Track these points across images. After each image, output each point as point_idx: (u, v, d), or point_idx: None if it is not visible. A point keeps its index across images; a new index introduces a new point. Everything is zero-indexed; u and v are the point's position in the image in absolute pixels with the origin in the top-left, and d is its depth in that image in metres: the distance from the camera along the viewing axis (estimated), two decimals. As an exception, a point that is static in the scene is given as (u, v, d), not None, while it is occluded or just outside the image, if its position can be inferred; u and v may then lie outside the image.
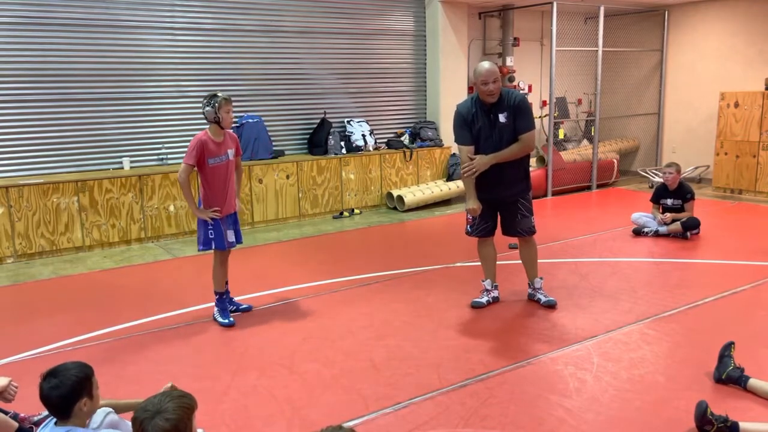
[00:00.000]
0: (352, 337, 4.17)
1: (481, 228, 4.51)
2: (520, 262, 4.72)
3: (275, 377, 3.61)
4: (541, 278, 4.70)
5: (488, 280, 4.68)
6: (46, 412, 2.61)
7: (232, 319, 4.42)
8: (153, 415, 2.03)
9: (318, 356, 3.88)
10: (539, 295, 4.65)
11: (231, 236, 4.45)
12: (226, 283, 4.53)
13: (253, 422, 3.13)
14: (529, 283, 4.73)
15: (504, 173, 4.31)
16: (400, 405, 3.25)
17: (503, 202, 4.44)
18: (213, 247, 4.38)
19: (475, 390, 3.39)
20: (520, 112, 4.21)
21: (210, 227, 4.32)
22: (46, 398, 2.34)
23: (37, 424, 2.72)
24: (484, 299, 4.63)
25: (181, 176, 4.22)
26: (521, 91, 9.46)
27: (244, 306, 4.66)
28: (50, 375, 2.35)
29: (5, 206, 6.09)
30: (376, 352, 3.90)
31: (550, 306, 4.55)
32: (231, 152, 4.40)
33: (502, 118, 4.22)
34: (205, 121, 4.32)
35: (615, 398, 3.27)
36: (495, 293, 4.70)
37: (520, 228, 4.47)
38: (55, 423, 2.39)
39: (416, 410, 3.20)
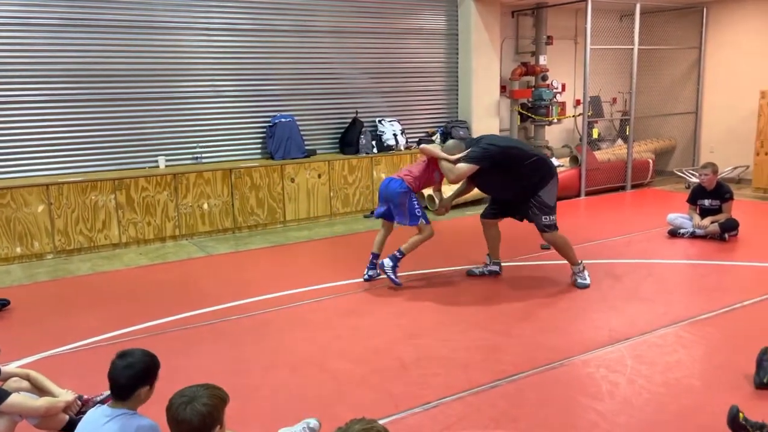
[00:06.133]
0: (381, 336, 4.19)
1: (489, 212, 5.24)
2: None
3: (306, 375, 3.65)
4: (578, 263, 5.04)
5: (488, 256, 5.38)
6: (107, 392, 2.69)
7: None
8: (190, 401, 2.14)
9: (348, 355, 3.90)
10: (575, 277, 5.07)
11: None
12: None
13: (284, 419, 3.16)
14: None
15: (505, 189, 5.03)
16: (429, 405, 3.25)
17: (513, 200, 5.05)
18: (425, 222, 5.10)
19: (505, 391, 3.37)
20: None
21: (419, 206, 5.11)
22: (116, 376, 2.40)
23: (103, 402, 2.78)
24: (477, 270, 5.36)
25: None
26: (553, 90, 9.43)
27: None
28: (125, 355, 2.44)
29: (45, 203, 6.26)
30: (405, 352, 3.91)
31: (581, 287, 4.96)
32: None
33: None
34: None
35: (649, 402, 3.22)
36: (492, 267, 5.34)
37: (535, 224, 4.93)
38: (108, 405, 2.44)
39: (446, 410, 3.20)
